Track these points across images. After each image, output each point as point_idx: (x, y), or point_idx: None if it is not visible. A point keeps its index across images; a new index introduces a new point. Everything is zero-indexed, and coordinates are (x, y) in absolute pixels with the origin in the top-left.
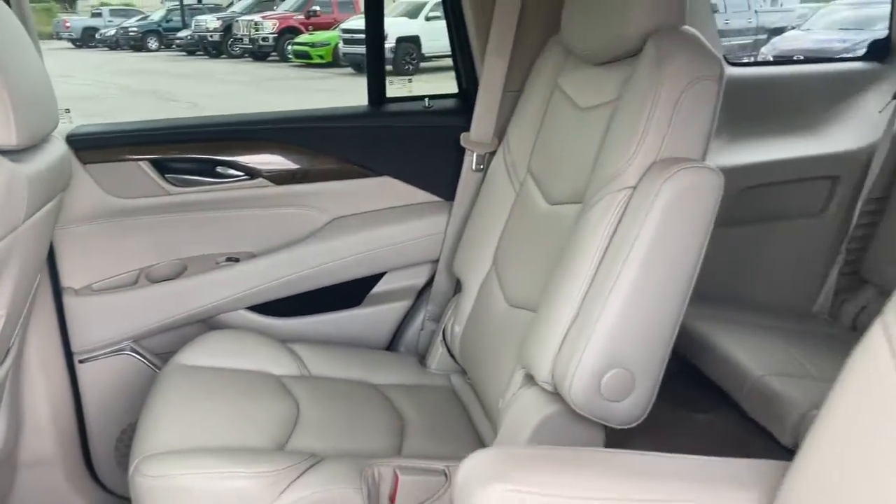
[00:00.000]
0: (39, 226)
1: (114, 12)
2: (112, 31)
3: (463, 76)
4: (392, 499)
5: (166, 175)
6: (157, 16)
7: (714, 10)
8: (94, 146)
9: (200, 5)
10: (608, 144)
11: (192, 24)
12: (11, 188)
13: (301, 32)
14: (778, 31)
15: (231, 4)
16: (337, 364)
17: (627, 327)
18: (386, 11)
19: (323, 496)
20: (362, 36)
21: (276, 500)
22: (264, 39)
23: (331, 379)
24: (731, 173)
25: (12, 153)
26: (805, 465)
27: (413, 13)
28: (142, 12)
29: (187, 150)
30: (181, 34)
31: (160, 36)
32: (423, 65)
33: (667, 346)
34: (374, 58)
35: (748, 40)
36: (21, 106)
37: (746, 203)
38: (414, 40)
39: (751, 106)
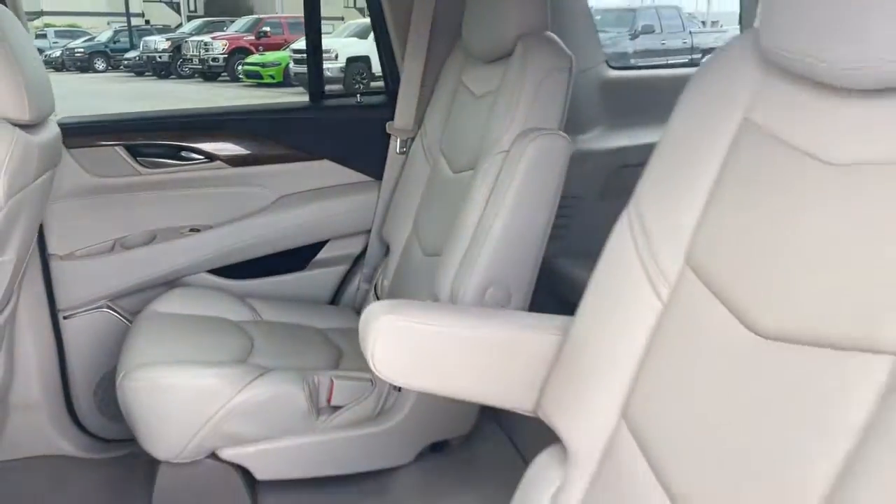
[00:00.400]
0: (41, 190)
1: (59, 33)
2: (57, 53)
3: (388, 76)
4: (328, 400)
5: (138, 158)
6: (104, 37)
7: (650, 30)
8: (77, 133)
9: (149, 26)
10: (491, 122)
11: (141, 45)
12: (26, 153)
13: (251, 53)
14: (710, 50)
15: (180, 25)
16: (285, 312)
17: (503, 254)
18: (336, 32)
19: (273, 394)
20: None
21: (236, 395)
22: (214, 60)
23: (280, 323)
24: (610, 154)
25: (25, 127)
26: (577, 317)
27: (363, 34)
28: (88, 33)
29: (156, 137)
30: (129, 55)
31: (107, 57)
32: (373, 84)
33: (533, 269)
34: (314, 59)
35: (683, 59)
36: (31, 89)
37: (623, 179)
38: (364, 60)
39: (628, 101)
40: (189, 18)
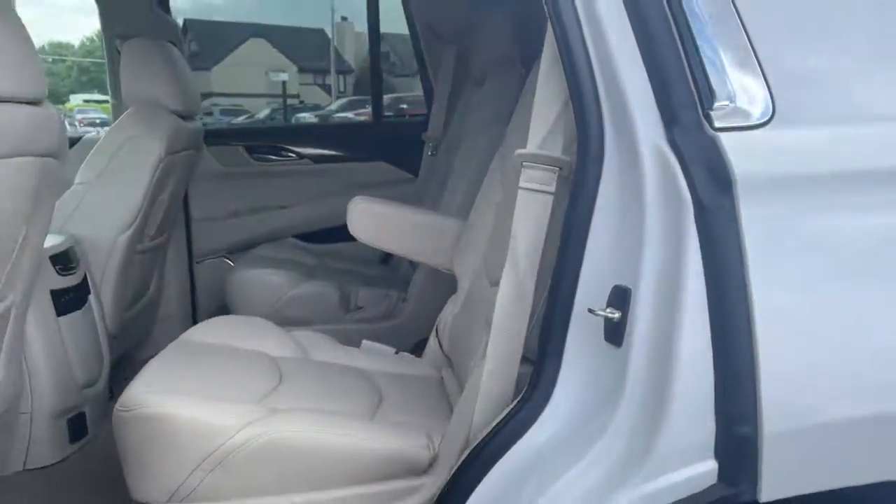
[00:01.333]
0: (188, 160)
1: (223, 112)
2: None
3: (428, 101)
4: (355, 302)
5: (252, 155)
6: (261, 114)
7: None
8: (214, 136)
9: (301, 105)
10: (470, 119)
11: (293, 121)
12: (178, 129)
13: None
14: None
15: (330, 104)
16: (342, 262)
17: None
18: None
19: (317, 291)
20: None
21: (293, 289)
22: None
23: (336, 267)
24: None
25: (179, 115)
26: (471, 213)
27: None
28: (248, 111)
29: (265, 141)
30: None
31: None
32: None
33: None
34: (376, 87)
35: None
36: (185, 93)
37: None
38: None
39: None
40: (338, 98)
